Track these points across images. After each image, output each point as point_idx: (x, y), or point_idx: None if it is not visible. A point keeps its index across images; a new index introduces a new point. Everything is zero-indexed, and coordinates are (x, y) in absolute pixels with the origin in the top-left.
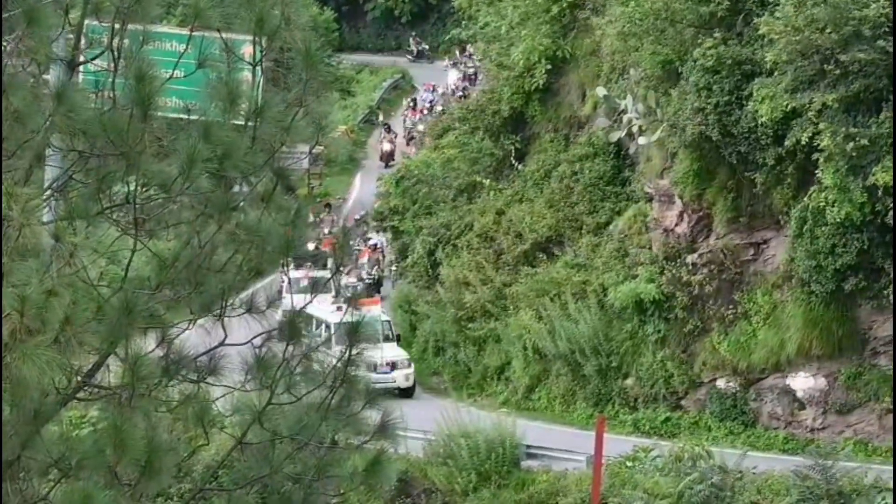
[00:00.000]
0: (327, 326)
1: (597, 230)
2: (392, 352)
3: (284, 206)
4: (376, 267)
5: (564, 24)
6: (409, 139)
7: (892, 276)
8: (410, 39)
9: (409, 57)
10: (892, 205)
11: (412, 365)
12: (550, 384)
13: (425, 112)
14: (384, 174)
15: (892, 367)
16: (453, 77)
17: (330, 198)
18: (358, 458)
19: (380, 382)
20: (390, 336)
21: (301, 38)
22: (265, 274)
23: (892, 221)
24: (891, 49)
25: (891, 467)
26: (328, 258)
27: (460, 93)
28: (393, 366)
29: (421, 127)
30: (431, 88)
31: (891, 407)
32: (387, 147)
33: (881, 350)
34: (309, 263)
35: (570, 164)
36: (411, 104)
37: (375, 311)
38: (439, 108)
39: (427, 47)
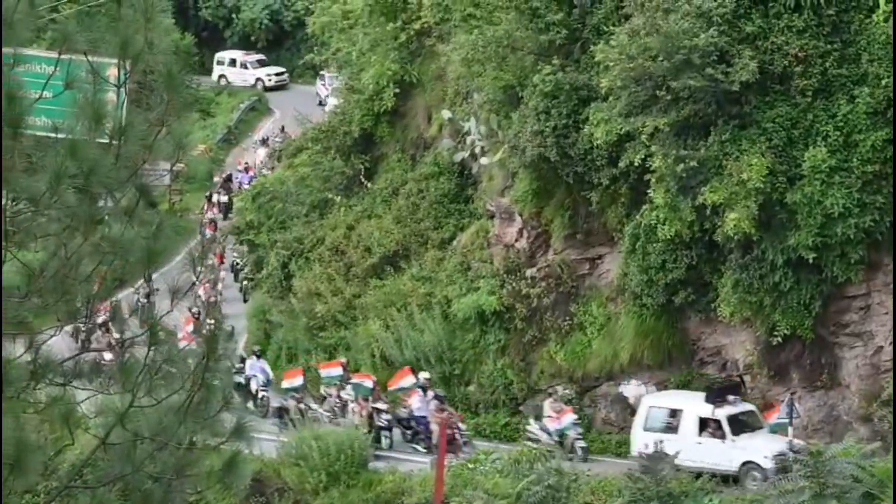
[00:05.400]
0: None
1: (441, 245)
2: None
3: (147, 220)
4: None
5: (412, 51)
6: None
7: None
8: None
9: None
10: (719, 223)
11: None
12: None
13: (220, 207)
14: (243, 187)
15: (718, 376)
16: (262, 154)
17: (189, 212)
18: (214, 458)
19: None
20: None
21: (163, 61)
22: (128, 284)
23: (707, 238)
24: (719, 76)
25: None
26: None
27: (267, 170)
28: None
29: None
30: (244, 169)
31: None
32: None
33: (708, 360)
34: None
35: (416, 183)
36: (210, 195)
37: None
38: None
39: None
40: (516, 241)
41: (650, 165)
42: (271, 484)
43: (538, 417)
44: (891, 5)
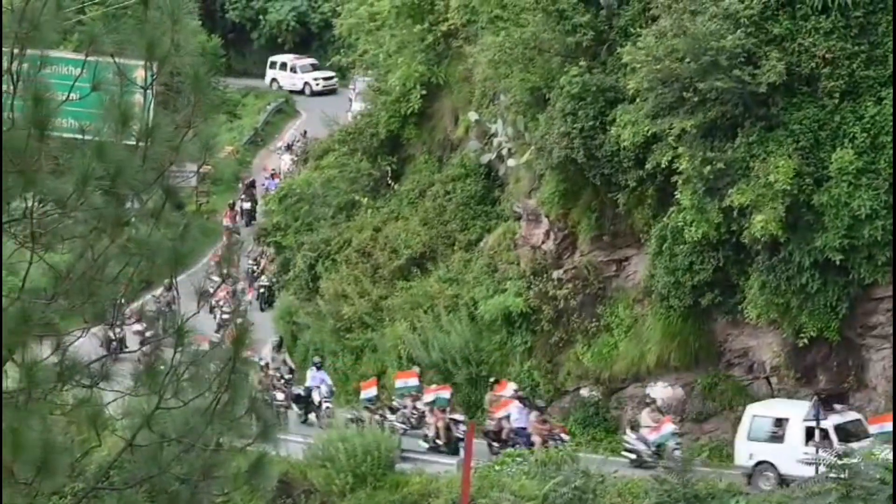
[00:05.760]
0: None
1: (468, 247)
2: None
3: (173, 222)
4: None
5: (439, 52)
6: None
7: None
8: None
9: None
10: (746, 224)
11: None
12: (423, 391)
13: (244, 214)
14: (269, 193)
15: (745, 377)
16: (287, 160)
17: (216, 214)
18: (241, 460)
19: None
20: None
21: (190, 63)
22: (154, 285)
23: (746, 240)
24: (746, 78)
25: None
26: None
27: (294, 176)
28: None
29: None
30: (271, 175)
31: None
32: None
33: (735, 362)
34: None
35: (443, 184)
36: (233, 203)
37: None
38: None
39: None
40: (543, 242)
41: (677, 167)
42: (298, 485)
43: (634, 428)
44: None
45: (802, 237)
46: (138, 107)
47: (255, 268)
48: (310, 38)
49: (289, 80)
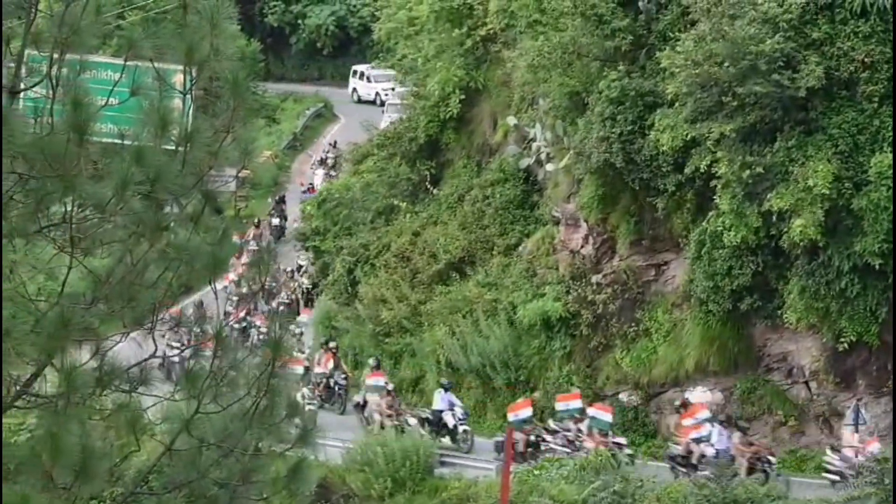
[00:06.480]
0: None
1: (507, 251)
2: None
3: (212, 227)
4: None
5: (477, 57)
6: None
7: None
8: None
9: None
10: (786, 229)
11: None
12: (462, 396)
13: (273, 230)
14: (306, 198)
15: (784, 382)
16: (321, 174)
17: (255, 219)
18: (280, 465)
19: None
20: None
21: (229, 67)
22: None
23: (784, 244)
24: (785, 82)
25: (780, 477)
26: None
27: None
28: None
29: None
30: (307, 190)
31: (783, 420)
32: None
33: (774, 366)
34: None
35: (481, 189)
36: (258, 221)
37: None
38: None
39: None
40: (582, 247)
41: (716, 171)
42: (337, 490)
43: (835, 448)
44: None
45: (842, 241)
46: (177, 111)
47: (274, 284)
48: (349, 43)
49: (365, 90)
